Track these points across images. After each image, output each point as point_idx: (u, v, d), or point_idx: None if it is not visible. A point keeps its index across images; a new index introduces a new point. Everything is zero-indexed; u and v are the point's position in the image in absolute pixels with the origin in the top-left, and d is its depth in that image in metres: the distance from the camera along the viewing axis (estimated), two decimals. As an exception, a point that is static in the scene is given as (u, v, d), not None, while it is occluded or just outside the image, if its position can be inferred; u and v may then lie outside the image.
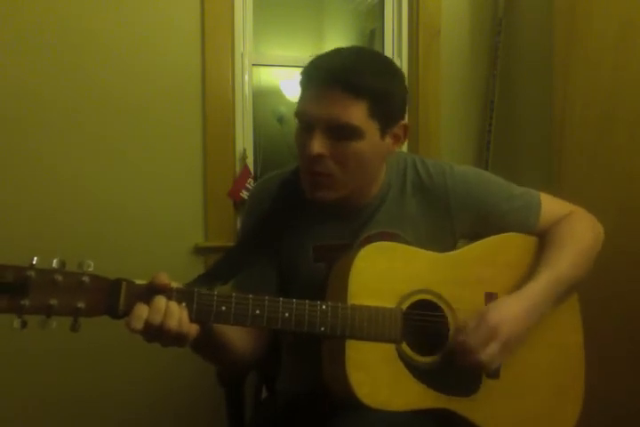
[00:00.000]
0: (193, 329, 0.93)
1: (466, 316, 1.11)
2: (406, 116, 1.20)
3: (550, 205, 1.28)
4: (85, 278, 0.87)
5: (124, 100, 2.02)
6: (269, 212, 1.21)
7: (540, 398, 1.19)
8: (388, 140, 1.15)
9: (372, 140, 1.10)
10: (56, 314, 0.85)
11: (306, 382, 1.20)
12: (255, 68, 2.28)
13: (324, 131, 1.07)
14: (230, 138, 2.13)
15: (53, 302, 0.84)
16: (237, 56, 2.16)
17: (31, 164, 1.94)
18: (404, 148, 2.31)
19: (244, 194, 2.08)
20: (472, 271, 1.18)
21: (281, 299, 1.00)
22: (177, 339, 0.93)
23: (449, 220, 1.24)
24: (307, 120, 1.10)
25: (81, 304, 0.86)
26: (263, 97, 3.29)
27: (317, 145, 1.07)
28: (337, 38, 3.54)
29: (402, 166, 1.25)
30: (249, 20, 2.21)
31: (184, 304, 0.93)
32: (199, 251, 2.07)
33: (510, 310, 1.10)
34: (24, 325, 0.83)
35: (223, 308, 0.95)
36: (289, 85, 3.62)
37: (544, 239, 1.24)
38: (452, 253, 1.19)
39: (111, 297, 0.89)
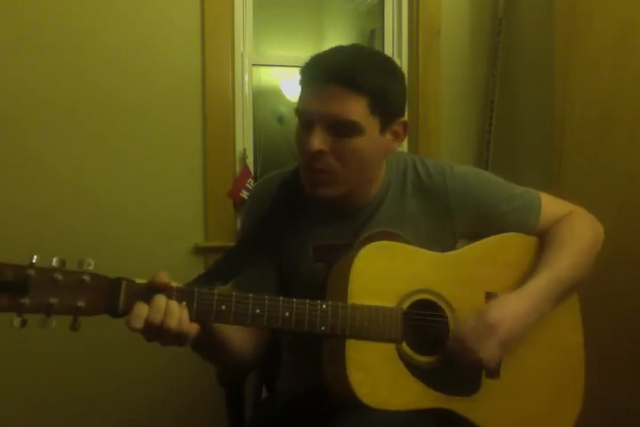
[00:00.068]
0: (193, 328, 0.93)
1: (466, 315, 1.11)
2: (406, 113, 1.20)
3: (550, 205, 1.28)
4: (85, 277, 0.86)
5: (124, 100, 2.02)
6: (269, 212, 1.21)
7: (539, 397, 1.19)
8: (388, 136, 1.15)
9: (372, 136, 1.10)
10: (56, 313, 0.85)
11: (306, 382, 1.20)
12: (255, 68, 2.28)
13: (324, 127, 1.08)
14: (230, 138, 2.13)
15: (53, 300, 0.84)
16: (237, 56, 2.16)
17: (31, 164, 1.94)
18: (404, 147, 2.31)
19: (244, 194, 2.08)
20: (472, 271, 1.18)
21: (281, 298, 1.00)
22: (177, 338, 0.93)
23: (449, 220, 1.24)
24: (307, 117, 1.10)
25: (81, 303, 0.86)
26: (263, 97, 3.29)
27: (318, 141, 1.07)
28: (337, 38, 3.54)
29: (402, 166, 1.25)
30: (249, 20, 2.21)
31: (184, 303, 0.93)
32: (199, 251, 2.07)
33: (510, 309, 1.10)
34: (24, 323, 0.83)
35: (223, 307, 0.95)
36: (289, 85, 3.63)
37: (544, 239, 1.24)
38: (452, 252, 1.19)
39: (111, 296, 0.89)
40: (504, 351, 1.09)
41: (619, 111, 1.76)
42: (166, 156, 2.06)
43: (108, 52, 2.00)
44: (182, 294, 0.93)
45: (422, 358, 1.09)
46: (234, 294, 0.96)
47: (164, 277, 0.92)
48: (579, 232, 1.24)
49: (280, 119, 3.69)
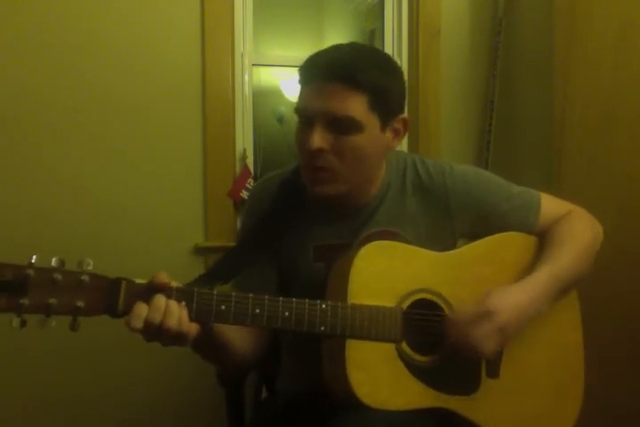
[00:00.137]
0: (193, 328, 0.93)
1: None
2: (405, 110, 1.20)
3: (549, 205, 1.28)
4: (85, 277, 0.86)
5: (124, 100, 2.02)
6: (269, 212, 1.21)
7: (539, 396, 1.19)
8: (388, 134, 1.15)
9: (372, 133, 1.10)
10: (55, 313, 0.85)
11: (306, 382, 1.20)
12: (255, 68, 2.28)
13: (324, 125, 1.08)
14: (230, 138, 2.13)
15: (52, 300, 0.84)
16: (237, 56, 2.16)
17: (31, 164, 1.94)
18: (404, 147, 2.31)
19: (244, 194, 2.08)
20: (472, 270, 1.17)
21: (281, 298, 1.00)
22: (177, 338, 0.92)
23: (449, 220, 1.24)
24: (307, 115, 1.10)
25: (80, 303, 0.86)
26: (263, 97, 3.29)
27: (318, 139, 1.07)
28: (337, 38, 3.54)
29: (402, 166, 1.25)
30: (249, 20, 2.21)
31: (184, 303, 0.93)
32: (199, 251, 2.07)
33: (510, 299, 1.09)
34: (23, 324, 0.83)
35: (223, 307, 0.95)
36: (289, 85, 3.63)
37: (544, 238, 1.24)
38: (452, 252, 1.19)
39: (111, 296, 0.89)
40: (501, 340, 1.07)
41: (619, 111, 1.75)
42: (166, 156, 2.06)
43: (108, 52, 2.00)
44: (182, 294, 0.93)
45: (422, 358, 1.09)
46: (233, 294, 0.96)
47: (163, 277, 0.92)
48: (578, 231, 1.24)
49: (280, 119, 3.69)
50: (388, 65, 1.13)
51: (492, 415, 1.12)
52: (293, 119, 1.15)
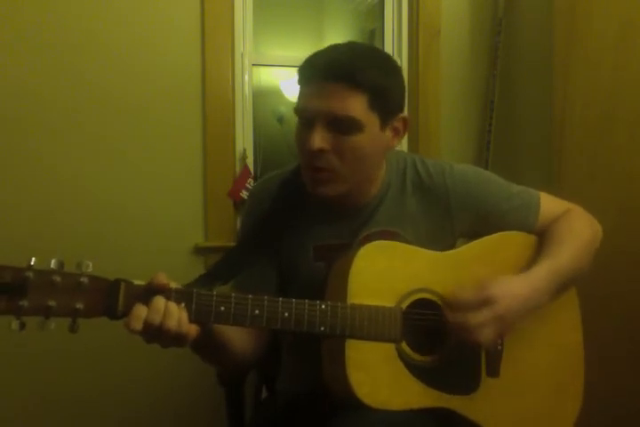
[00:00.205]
0: (192, 329, 0.93)
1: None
2: (405, 109, 1.20)
3: (549, 204, 1.28)
4: (84, 279, 0.86)
5: (124, 100, 2.02)
6: (269, 212, 1.21)
7: (539, 396, 1.19)
8: (388, 133, 1.15)
9: (372, 133, 1.10)
10: (54, 315, 0.85)
11: (306, 382, 1.20)
12: (255, 68, 2.28)
13: (324, 125, 1.08)
14: (230, 138, 2.13)
15: (52, 303, 0.84)
16: (237, 56, 2.16)
17: (31, 164, 1.94)
18: (404, 147, 2.31)
19: (244, 194, 2.08)
20: (472, 270, 1.17)
21: (280, 299, 1.00)
22: (176, 339, 0.92)
23: (449, 219, 1.24)
24: (307, 115, 1.10)
25: (79, 305, 0.86)
26: (263, 97, 3.29)
27: (318, 139, 1.07)
28: (337, 38, 3.54)
29: (402, 166, 1.25)
30: (249, 20, 2.20)
31: (183, 305, 0.93)
32: (199, 251, 2.07)
33: (511, 289, 1.09)
34: (22, 326, 0.83)
35: (222, 308, 0.95)
36: (289, 85, 3.62)
37: (543, 236, 1.24)
38: (451, 251, 1.19)
39: (110, 298, 0.89)
40: (501, 328, 1.06)
41: (619, 111, 1.75)
42: (166, 156, 2.06)
43: (108, 52, 2.00)
44: (181, 296, 0.93)
45: (422, 358, 1.09)
46: (233, 295, 0.96)
47: (162, 279, 0.92)
48: (577, 229, 1.24)
49: (280, 119, 3.68)
50: (386, 64, 1.13)
51: (492, 415, 1.12)
52: (293, 119, 1.15)
